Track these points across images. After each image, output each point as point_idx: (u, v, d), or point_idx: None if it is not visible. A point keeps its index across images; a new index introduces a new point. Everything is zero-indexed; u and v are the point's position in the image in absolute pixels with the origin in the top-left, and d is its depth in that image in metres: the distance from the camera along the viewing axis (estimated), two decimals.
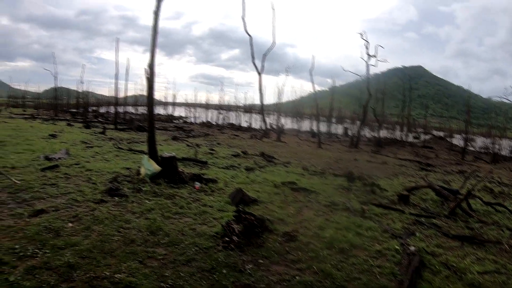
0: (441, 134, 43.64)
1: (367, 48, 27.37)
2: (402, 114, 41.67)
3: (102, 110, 49.22)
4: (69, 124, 24.86)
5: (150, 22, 9.50)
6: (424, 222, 7.18)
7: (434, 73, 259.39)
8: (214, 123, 40.73)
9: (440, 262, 5.18)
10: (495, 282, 4.74)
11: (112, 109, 41.55)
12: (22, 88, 62.69)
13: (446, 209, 8.29)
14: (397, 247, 5.57)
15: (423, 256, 5.22)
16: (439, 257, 5.39)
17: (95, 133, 20.01)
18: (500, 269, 5.17)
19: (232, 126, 37.44)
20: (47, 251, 4.41)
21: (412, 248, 5.43)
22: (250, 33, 27.05)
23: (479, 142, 36.83)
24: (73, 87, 59.85)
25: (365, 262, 4.96)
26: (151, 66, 9.34)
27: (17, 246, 4.48)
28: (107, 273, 3.98)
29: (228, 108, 48.69)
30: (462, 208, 8.21)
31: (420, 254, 5.20)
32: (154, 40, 9.37)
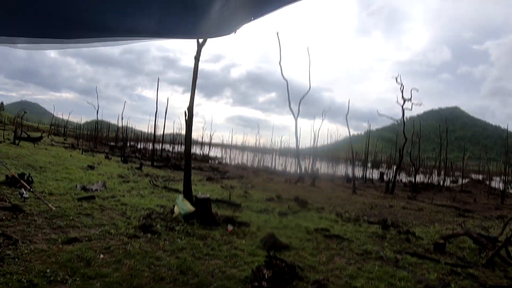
0: (480, 177, 42.25)
1: (402, 91, 27.14)
2: (439, 157, 40.72)
3: (140, 145, 50.55)
4: (107, 157, 25.57)
5: (189, 63, 9.99)
6: (460, 272, 6.91)
7: (471, 114, 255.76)
8: (249, 165, 40.80)
9: None
10: None
11: (149, 146, 42.57)
12: (65, 118, 65.41)
13: (484, 258, 7.97)
14: None
15: None
16: None
17: (132, 168, 20.50)
18: None
19: (267, 169, 37.40)
20: (77, 279, 4.54)
21: None
22: (286, 77, 27.41)
23: None
24: (113, 121, 62.03)
25: None
26: (190, 109, 9.67)
27: (48, 270, 4.65)
28: None
29: (264, 151, 48.86)
30: (501, 256, 7.85)
31: None
32: (194, 84, 9.75)
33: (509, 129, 31.02)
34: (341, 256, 7.33)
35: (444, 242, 8.77)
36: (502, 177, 31.59)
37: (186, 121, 9.79)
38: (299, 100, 30.53)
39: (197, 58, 9.81)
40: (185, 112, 9.75)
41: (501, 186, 30.65)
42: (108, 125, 60.85)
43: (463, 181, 37.75)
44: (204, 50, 9.81)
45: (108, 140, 51.89)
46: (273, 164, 42.83)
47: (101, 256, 5.48)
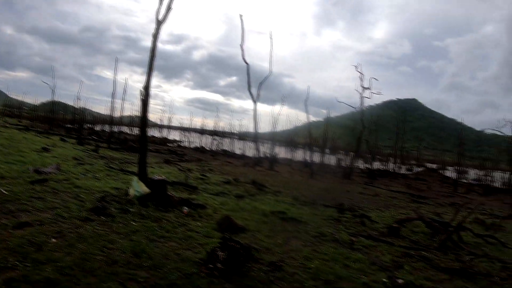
0: (434, 166, 43.96)
1: (361, 80, 27.67)
2: (396, 146, 42.00)
3: (97, 128, 49.19)
4: (62, 139, 24.71)
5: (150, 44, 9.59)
6: (413, 254, 7.15)
7: (428, 106, 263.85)
8: (208, 148, 40.53)
9: None
10: None
11: (107, 128, 41.51)
12: (19, 98, 62.33)
13: (437, 242, 8.28)
14: (384, 279, 5.52)
15: None
16: None
17: (87, 150, 19.86)
18: None
19: (225, 153, 37.31)
20: (28, 264, 4.36)
21: (400, 281, 5.41)
22: (247, 61, 27.21)
23: (472, 174, 37.22)
24: (70, 102, 59.59)
25: None
26: (146, 88, 9.39)
27: None
28: None
29: (223, 134, 48.72)
30: (453, 240, 8.22)
31: (408, 287, 5.15)
32: (151, 62, 9.46)
33: (464, 122, 32.69)
34: (297, 238, 7.40)
35: (398, 226, 9.05)
36: (456, 167, 33.08)
37: (141, 100, 9.54)
38: (259, 85, 30.41)
39: (155, 36, 9.52)
40: (141, 91, 9.49)
41: (454, 175, 32.11)
42: (65, 106, 58.73)
43: (418, 169, 39.16)
44: (166, 30, 9.55)
45: (64, 122, 50.11)
46: (232, 148, 42.64)
47: (53, 240, 5.27)
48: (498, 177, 33.45)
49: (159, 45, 9.71)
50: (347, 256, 6.49)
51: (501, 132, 28.23)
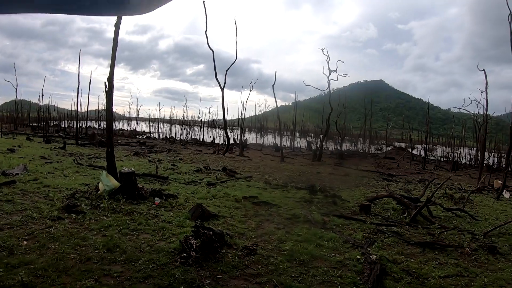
0: (403, 145, 44.98)
1: (328, 62, 27.83)
2: (364, 127, 42.64)
3: (64, 124, 48.02)
4: (28, 139, 24.13)
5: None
6: (385, 230, 7.33)
7: (395, 87, 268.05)
8: (177, 138, 40.29)
9: (401, 269, 5.30)
10: (457, 286, 4.88)
11: (74, 124, 40.57)
12: None
13: (407, 217, 8.52)
14: (358, 256, 5.65)
15: (385, 264, 5.31)
16: (400, 264, 5.53)
17: (55, 148, 19.46)
18: (462, 272, 5.36)
19: (195, 142, 37.25)
20: (0, 269, 4.26)
21: (373, 257, 5.53)
22: (213, 48, 26.82)
23: (440, 151, 38.30)
24: (35, 99, 57.84)
25: (326, 273, 4.99)
26: (110, 79, 9.21)
27: None
28: None
29: (192, 123, 48.55)
30: (423, 215, 8.47)
31: (381, 262, 5.30)
32: (114, 53, 9.27)
33: (430, 102, 33.57)
34: (270, 221, 7.49)
35: (369, 203, 9.24)
36: (423, 145, 33.94)
37: (106, 92, 9.35)
38: (225, 71, 30.07)
39: (117, 26, 9.30)
40: (105, 83, 9.30)
41: (422, 153, 32.97)
42: (29, 104, 57.01)
43: (387, 148, 39.99)
44: (131, 21, 9.37)
45: (30, 121, 48.77)
46: (202, 136, 42.54)
47: (24, 242, 5.16)
48: (465, 154, 34.60)
49: (125, 37, 9.77)
50: (320, 235, 6.60)
51: (467, 110, 28.94)
